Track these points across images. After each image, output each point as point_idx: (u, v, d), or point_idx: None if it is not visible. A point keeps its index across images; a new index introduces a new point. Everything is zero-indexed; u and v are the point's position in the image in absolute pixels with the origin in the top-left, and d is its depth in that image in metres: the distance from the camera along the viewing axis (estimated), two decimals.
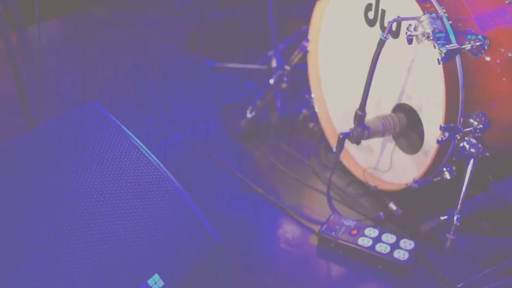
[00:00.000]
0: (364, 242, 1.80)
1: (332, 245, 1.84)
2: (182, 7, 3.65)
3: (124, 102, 2.77)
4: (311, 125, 2.41)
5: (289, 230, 1.97)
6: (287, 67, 2.45)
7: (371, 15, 1.93)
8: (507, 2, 1.79)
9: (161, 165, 1.68)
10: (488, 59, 1.76)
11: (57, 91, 2.80)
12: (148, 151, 1.68)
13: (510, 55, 1.78)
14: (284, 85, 2.50)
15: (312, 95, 2.30)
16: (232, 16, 3.74)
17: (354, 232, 1.84)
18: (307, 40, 2.24)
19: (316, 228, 1.91)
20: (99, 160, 1.59)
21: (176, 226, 1.57)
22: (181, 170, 2.27)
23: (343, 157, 2.18)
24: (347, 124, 2.12)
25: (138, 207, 1.55)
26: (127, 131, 1.69)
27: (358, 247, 1.79)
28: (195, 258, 1.57)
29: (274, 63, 2.71)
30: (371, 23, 1.94)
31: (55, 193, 1.46)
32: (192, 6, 3.70)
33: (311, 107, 2.39)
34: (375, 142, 2.04)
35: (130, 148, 1.67)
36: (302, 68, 2.60)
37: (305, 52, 2.27)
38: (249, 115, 2.42)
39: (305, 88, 2.56)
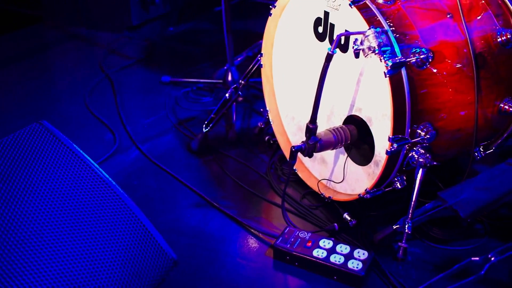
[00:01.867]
0: (319, 253, 1.82)
1: (288, 257, 1.85)
2: (139, 21, 3.64)
3: (79, 118, 2.74)
4: (266, 138, 2.43)
5: (245, 244, 1.97)
6: (242, 81, 2.47)
7: (320, 29, 1.97)
8: (448, 16, 1.86)
9: (114, 183, 1.66)
10: (434, 70, 1.81)
11: (5, 109, 2.75)
12: (100, 169, 1.66)
13: (458, 66, 1.84)
14: (239, 99, 2.52)
15: (267, 108, 2.32)
16: (188, 30, 3.75)
17: (309, 244, 1.86)
18: (261, 54, 2.26)
19: (272, 241, 1.92)
20: (49, 180, 1.56)
21: (129, 244, 1.55)
22: (137, 186, 2.27)
23: (298, 169, 2.21)
24: (301, 137, 2.15)
25: (90, 225, 1.53)
26: (78, 149, 1.67)
27: (313, 259, 1.81)
28: (150, 277, 1.55)
29: (229, 77, 2.73)
30: (320, 37, 1.98)
31: (3, 214, 1.42)
32: (149, 21, 3.70)
33: (266, 120, 2.42)
34: (329, 154, 2.07)
35: (81, 166, 1.64)
36: (257, 82, 2.63)
37: (260, 65, 2.30)
38: (204, 130, 2.43)
39: (261, 101, 2.58)
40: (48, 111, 2.79)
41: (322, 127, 1.94)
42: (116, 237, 1.54)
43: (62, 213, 1.51)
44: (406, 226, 1.83)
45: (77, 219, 1.52)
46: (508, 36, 1.88)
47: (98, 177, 1.64)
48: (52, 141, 1.65)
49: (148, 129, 2.64)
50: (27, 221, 1.44)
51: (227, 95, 2.47)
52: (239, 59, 2.91)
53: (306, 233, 1.91)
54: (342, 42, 1.86)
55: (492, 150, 2.05)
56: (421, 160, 1.82)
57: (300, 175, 2.21)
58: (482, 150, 2.01)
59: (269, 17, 2.14)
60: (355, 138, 1.93)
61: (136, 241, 1.57)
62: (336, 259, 1.80)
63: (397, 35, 1.77)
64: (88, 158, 1.66)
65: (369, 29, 1.71)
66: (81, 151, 1.67)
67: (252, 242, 1.98)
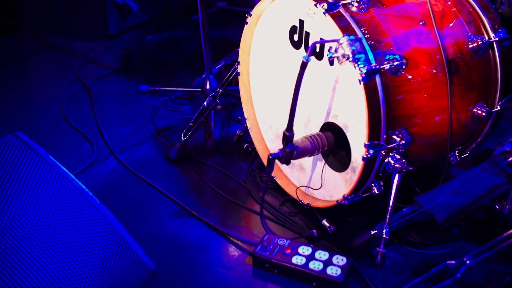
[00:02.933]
0: (297, 260, 1.83)
1: (267, 265, 1.85)
2: (116, 30, 3.63)
3: (56, 129, 2.71)
4: (245, 145, 2.44)
5: (224, 252, 1.97)
6: (220, 89, 2.47)
7: (296, 37, 1.98)
8: (421, 23, 1.89)
9: (91, 194, 1.64)
10: (408, 77, 1.84)
11: None
12: (76, 180, 1.65)
13: (431, 72, 1.87)
14: (218, 107, 2.52)
15: (245, 116, 2.33)
16: (166, 39, 3.75)
17: (288, 251, 1.86)
18: (238, 63, 2.27)
19: (252, 248, 1.92)
20: (24, 192, 1.54)
21: (107, 255, 1.54)
22: (115, 196, 2.25)
23: (277, 177, 2.22)
24: (279, 144, 2.15)
25: (67, 237, 1.52)
26: (54, 160, 1.65)
27: (292, 266, 1.82)
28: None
29: (207, 86, 2.73)
30: (296, 45, 1.99)
31: None
32: (127, 30, 3.69)
33: (244, 128, 2.42)
34: (307, 161, 2.09)
35: (58, 178, 1.63)
36: (235, 90, 2.64)
37: (237, 74, 2.30)
38: (183, 138, 2.42)
39: (239, 109, 2.59)
40: (25, 122, 2.76)
41: (299, 135, 1.95)
42: (93, 248, 1.53)
43: (38, 226, 1.49)
44: (384, 231, 1.85)
45: (54, 231, 1.51)
46: (479, 43, 1.92)
47: (75, 188, 1.62)
48: (27, 153, 1.63)
49: (126, 138, 2.63)
50: (2, 234, 1.42)
51: (205, 103, 2.48)
52: (217, 67, 2.91)
53: (285, 240, 1.91)
54: (317, 50, 1.88)
55: (467, 155, 2.08)
56: (397, 165, 1.84)
57: (278, 182, 2.22)
58: (457, 154, 2.04)
59: (245, 25, 2.16)
60: (332, 145, 1.94)
61: (114, 252, 1.56)
62: (315, 265, 1.81)
63: (371, 43, 1.79)
64: (65, 169, 1.64)
65: (343, 36, 1.72)
66: (57, 162, 1.65)
67: (232, 250, 1.98)
